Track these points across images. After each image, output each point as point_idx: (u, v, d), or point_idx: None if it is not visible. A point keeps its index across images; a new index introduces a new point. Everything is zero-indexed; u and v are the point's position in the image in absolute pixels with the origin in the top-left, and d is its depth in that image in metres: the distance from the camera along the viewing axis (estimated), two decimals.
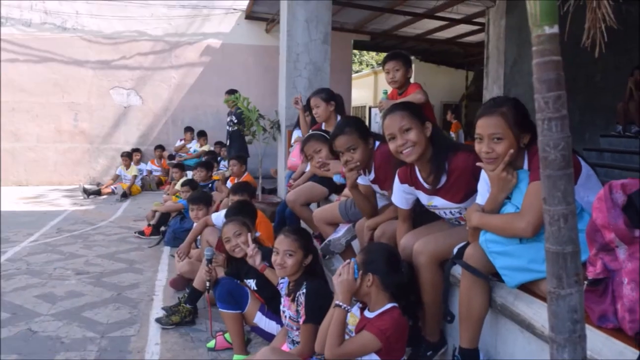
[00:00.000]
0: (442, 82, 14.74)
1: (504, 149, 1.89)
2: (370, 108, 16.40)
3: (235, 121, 7.13)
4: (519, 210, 1.85)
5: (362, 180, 2.89)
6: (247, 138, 6.43)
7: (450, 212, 2.38)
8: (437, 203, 2.37)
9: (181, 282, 3.93)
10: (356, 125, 2.76)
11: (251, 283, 2.99)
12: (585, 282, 1.59)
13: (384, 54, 5.25)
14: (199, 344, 3.04)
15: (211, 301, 3.15)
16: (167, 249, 5.19)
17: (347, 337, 2.13)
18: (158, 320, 3.27)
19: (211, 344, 2.98)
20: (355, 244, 3.32)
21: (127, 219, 6.89)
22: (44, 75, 9.86)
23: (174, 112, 10.54)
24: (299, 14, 5.92)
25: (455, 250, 2.18)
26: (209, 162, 7.13)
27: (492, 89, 7.52)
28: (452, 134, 11.94)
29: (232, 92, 7.40)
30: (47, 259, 4.77)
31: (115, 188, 8.99)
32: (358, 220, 3.16)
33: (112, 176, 9.70)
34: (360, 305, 2.28)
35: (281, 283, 2.71)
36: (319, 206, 4.12)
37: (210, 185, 6.44)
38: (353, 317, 2.27)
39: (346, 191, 3.39)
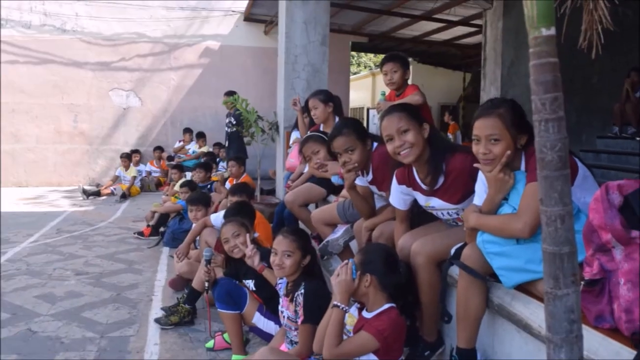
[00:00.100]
0: (440, 84, 14.77)
1: (501, 150, 1.89)
2: (368, 109, 16.45)
3: (234, 122, 7.13)
4: (516, 211, 1.86)
5: (360, 181, 2.89)
6: (245, 139, 6.43)
7: (448, 213, 2.39)
8: (435, 204, 2.37)
9: (180, 283, 3.94)
10: (354, 126, 2.77)
11: (250, 283, 2.99)
12: (582, 283, 1.60)
13: (381, 56, 5.27)
14: (198, 344, 3.05)
15: (210, 301, 3.15)
16: (166, 250, 5.19)
17: (345, 337, 2.14)
18: (157, 321, 3.28)
19: (210, 344, 2.99)
20: (353, 245, 3.32)
21: (127, 219, 6.89)
22: (44, 77, 9.85)
23: (172, 114, 10.54)
24: (297, 16, 5.92)
25: (452, 250, 2.19)
26: (207, 163, 7.13)
27: (490, 90, 7.53)
28: (450, 136, 11.98)
29: (230, 93, 7.42)
30: (47, 260, 4.77)
31: (115, 189, 8.99)
32: (356, 221, 3.17)
33: (111, 177, 9.69)
34: (358, 305, 2.28)
35: (279, 283, 2.71)
36: (317, 207, 4.13)
37: (209, 186, 6.44)
38: (351, 317, 2.28)
39: (344, 192, 3.39)
